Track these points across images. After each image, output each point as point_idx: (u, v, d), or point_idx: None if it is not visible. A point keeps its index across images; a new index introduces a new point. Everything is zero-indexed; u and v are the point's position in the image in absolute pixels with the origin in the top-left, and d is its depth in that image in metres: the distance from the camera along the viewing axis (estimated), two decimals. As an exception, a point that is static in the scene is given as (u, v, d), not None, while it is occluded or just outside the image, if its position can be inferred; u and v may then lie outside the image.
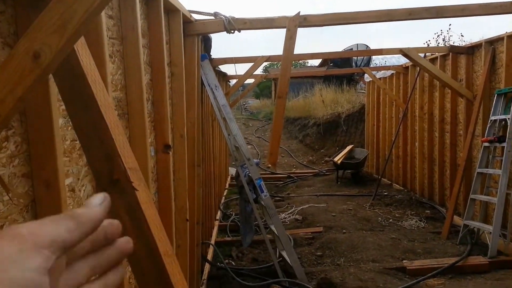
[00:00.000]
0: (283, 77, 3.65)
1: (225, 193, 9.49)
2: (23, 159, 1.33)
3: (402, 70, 8.91)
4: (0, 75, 0.99)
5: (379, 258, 5.26)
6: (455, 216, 6.20)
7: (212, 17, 3.58)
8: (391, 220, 7.03)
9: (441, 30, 17.07)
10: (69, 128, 1.60)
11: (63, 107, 1.54)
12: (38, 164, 1.36)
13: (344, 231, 6.40)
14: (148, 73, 2.58)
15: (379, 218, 7.12)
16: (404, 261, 5.13)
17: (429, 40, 18.27)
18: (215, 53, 5.28)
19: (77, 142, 1.66)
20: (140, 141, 2.27)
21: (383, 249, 5.53)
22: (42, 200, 1.37)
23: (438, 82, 7.13)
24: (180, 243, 3.29)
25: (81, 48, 1.21)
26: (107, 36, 1.90)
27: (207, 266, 4.95)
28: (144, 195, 1.21)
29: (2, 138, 1.24)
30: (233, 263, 5.38)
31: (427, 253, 5.43)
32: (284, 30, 3.62)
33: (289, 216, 7.52)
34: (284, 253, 4.76)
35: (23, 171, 1.33)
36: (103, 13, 1.71)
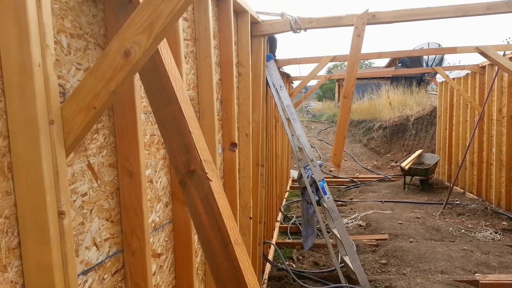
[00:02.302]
0: (350, 76, 3.60)
1: (286, 195, 9.50)
2: (110, 150, 1.46)
3: (478, 70, 8.32)
4: (95, 72, 1.10)
5: (449, 270, 4.96)
6: (538, 229, 5.66)
7: (279, 17, 3.63)
8: (463, 230, 6.59)
9: (524, 27, 15.62)
10: (149, 123, 1.72)
11: (144, 103, 1.66)
12: (123, 155, 1.48)
13: (411, 240, 6.11)
14: (217, 73, 2.69)
15: (450, 228, 6.71)
16: (476, 274, 4.79)
17: (509, 37, 16.84)
18: (279, 54, 5.33)
19: (155, 136, 1.78)
20: (210, 139, 2.36)
21: (454, 261, 5.20)
22: (125, 188, 1.49)
23: (520, 83, 6.57)
24: (244, 240, 3.36)
25: (164, 48, 1.30)
26: (183, 37, 2.01)
27: (268, 266, 5.00)
28: (216, 186, 1.27)
29: (93, 131, 1.37)
30: (293, 265, 5.38)
31: (503, 267, 5.02)
32: (351, 28, 3.57)
33: (352, 222, 7.35)
34: (346, 259, 4.66)
35: (110, 161, 1.45)
36: (180, 16, 1.82)
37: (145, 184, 1.51)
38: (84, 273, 1.34)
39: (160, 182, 1.82)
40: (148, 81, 1.32)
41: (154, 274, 1.75)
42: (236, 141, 2.96)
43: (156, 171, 1.78)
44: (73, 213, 1.27)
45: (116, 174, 1.48)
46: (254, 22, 3.55)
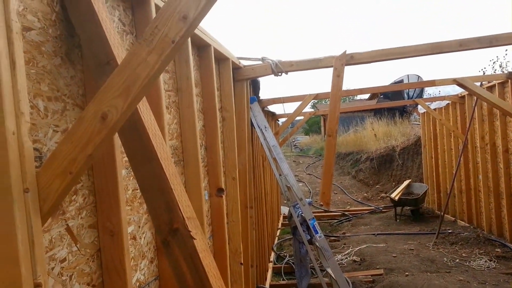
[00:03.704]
0: (332, 115, 3.65)
1: (278, 233, 9.35)
2: (89, 211, 1.42)
3: (458, 100, 8.55)
4: (72, 136, 1.09)
5: (448, 303, 4.86)
6: (531, 256, 5.63)
7: (260, 62, 3.71)
8: (457, 260, 6.52)
9: (497, 57, 16.21)
10: (131, 178, 1.69)
11: (126, 158, 1.63)
12: (103, 215, 1.44)
13: (406, 273, 6.00)
14: (201, 120, 2.69)
15: (445, 258, 6.63)
16: (476, 306, 4.70)
17: (484, 68, 17.47)
18: (264, 92, 5.41)
19: (138, 191, 1.74)
20: (195, 186, 2.33)
21: (452, 293, 5.10)
22: (107, 249, 1.44)
23: (498, 111, 6.75)
24: (235, 288, 3.26)
25: (142, 106, 1.30)
26: (164, 89, 2.02)
27: (263, 311, 4.83)
28: (201, 244, 1.23)
29: (71, 192, 1.33)
30: (289, 307, 5.20)
31: (502, 297, 4.94)
32: (331, 68, 3.66)
33: (346, 257, 7.21)
34: (342, 297, 4.53)
35: (89, 222, 1.41)
36: (160, 69, 1.84)
37: (127, 243, 1.46)
38: None
39: (144, 238, 1.77)
40: (127, 139, 1.31)
41: (140, 336, 1.67)
42: (223, 186, 2.93)
43: (139, 227, 1.73)
44: (52, 281, 1.21)
45: (96, 235, 1.43)
46: (236, 68, 3.62)
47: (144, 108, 1.31)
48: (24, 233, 1.03)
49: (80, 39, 1.35)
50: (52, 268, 1.21)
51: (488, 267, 6.12)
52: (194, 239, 1.22)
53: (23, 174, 1.04)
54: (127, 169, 1.66)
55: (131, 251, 1.63)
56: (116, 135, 1.46)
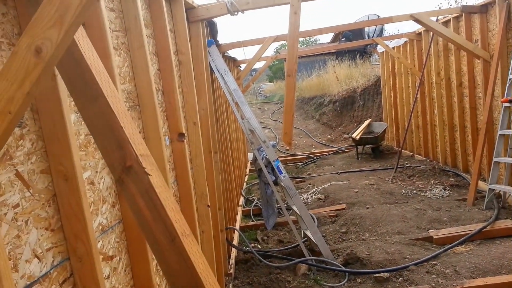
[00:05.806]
0: (291, 55, 3.62)
1: (246, 179, 9.55)
2: (40, 156, 1.37)
3: (415, 37, 8.68)
4: (7, 73, 1.02)
5: (405, 230, 5.23)
6: (480, 182, 6.08)
7: (215, 1, 3.56)
8: (414, 191, 6.96)
9: (452, -9, 16.33)
10: (82, 123, 1.63)
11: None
12: (55, 160, 1.39)
13: (367, 206, 6.37)
14: (155, 63, 2.60)
15: (403, 190, 7.06)
16: (430, 230, 5.09)
17: (440, 3, 17.61)
18: (225, 39, 5.24)
19: (91, 136, 1.69)
20: (154, 131, 2.30)
21: (408, 221, 5.49)
22: (63, 194, 1.41)
23: (453, 46, 6.93)
24: (204, 229, 3.34)
25: (82, 41, 1.22)
26: (110, 29, 1.91)
27: (233, 251, 5.03)
28: (157, 180, 1.24)
29: (17, 137, 1.28)
30: (259, 246, 5.45)
31: (453, 221, 5.36)
32: (288, 6, 3.57)
33: (311, 196, 7.53)
34: (308, 233, 4.78)
35: (41, 167, 1.37)
36: (103, 6, 1.72)
37: (83, 187, 1.44)
38: (27, 287, 1.26)
39: (103, 183, 1.75)
40: (70, 78, 1.24)
41: (108, 277, 1.70)
42: (184, 131, 2.90)
43: (97, 172, 1.70)
44: (6, 226, 1.19)
45: (50, 180, 1.40)
46: (190, 8, 3.46)
47: (85, 44, 1.24)
48: (-34, 177, 0.99)
49: (5, -30, 1.22)
50: (5, 214, 1.19)
51: (443, 195, 6.58)
52: (149, 175, 1.22)
53: (-44, 117, 0.98)
54: (77, 113, 1.59)
55: (90, 196, 1.61)
56: (60, 77, 1.39)
